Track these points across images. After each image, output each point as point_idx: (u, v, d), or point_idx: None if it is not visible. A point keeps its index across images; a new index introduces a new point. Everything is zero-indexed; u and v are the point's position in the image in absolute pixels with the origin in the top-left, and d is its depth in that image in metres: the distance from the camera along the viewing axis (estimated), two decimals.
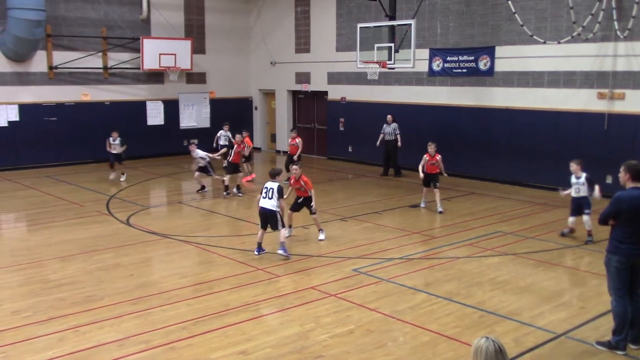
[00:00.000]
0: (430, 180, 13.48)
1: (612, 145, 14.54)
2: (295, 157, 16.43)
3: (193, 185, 16.14)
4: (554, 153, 15.67)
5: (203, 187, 15.72)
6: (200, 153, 15.45)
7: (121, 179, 17.13)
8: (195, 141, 16.90)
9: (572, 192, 11.06)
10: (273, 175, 10.32)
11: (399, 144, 17.75)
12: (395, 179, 17.73)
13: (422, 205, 13.88)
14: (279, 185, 10.05)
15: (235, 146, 15.62)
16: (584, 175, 10.91)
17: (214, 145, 18.94)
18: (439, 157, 13.45)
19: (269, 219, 10.01)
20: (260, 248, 10.19)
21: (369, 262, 9.93)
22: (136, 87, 21.64)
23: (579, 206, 11.02)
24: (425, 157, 13.48)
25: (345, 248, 10.73)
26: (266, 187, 10.05)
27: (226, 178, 15.15)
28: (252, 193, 15.36)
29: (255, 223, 12.55)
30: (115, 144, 17.09)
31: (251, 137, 24.40)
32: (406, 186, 16.62)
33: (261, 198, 10.06)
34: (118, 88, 21.21)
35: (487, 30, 16.85)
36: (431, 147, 13.44)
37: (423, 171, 13.44)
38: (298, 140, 16.74)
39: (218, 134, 19.12)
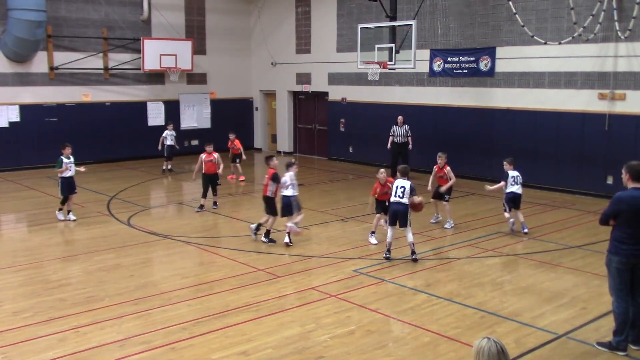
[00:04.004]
0: (438, 193, 12.31)
1: (613, 145, 14.55)
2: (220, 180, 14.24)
3: (193, 185, 16.08)
4: (555, 154, 15.69)
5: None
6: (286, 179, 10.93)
7: (71, 218, 12.79)
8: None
9: None
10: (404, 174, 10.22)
11: (410, 146, 17.46)
12: None
13: (433, 220, 12.62)
14: (410, 184, 10.02)
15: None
16: None
17: (159, 147, 18.89)
18: (447, 168, 12.20)
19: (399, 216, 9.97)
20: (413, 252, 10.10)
21: (369, 262, 9.94)
22: (137, 87, 21.65)
23: None
24: (435, 168, 12.41)
25: (346, 249, 10.73)
26: (396, 186, 9.98)
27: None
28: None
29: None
30: (69, 163, 12.61)
31: (252, 138, 24.64)
32: None
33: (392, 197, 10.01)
34: (119, 89, 21.22)
35: (487, 31, 16.84)
36: (441, 159, 12.25)
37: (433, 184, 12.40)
38: (216, 155, 13.83)
39: (164, 134, 19.05)
